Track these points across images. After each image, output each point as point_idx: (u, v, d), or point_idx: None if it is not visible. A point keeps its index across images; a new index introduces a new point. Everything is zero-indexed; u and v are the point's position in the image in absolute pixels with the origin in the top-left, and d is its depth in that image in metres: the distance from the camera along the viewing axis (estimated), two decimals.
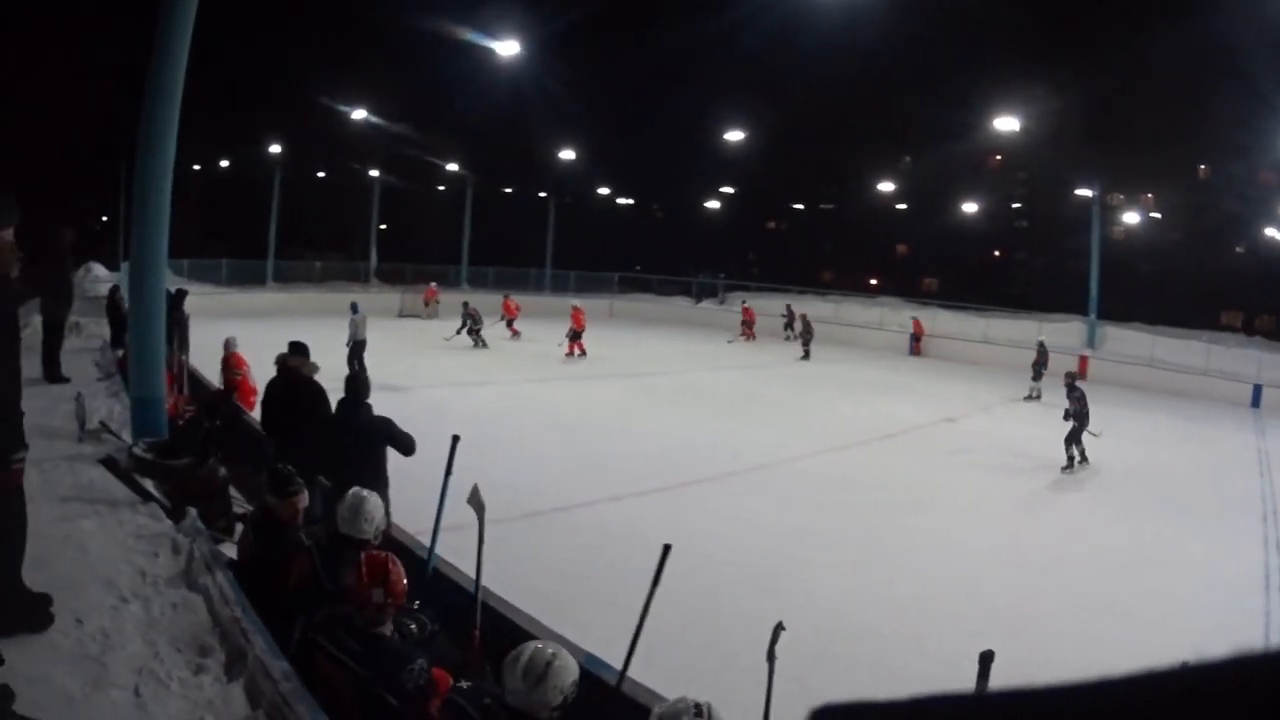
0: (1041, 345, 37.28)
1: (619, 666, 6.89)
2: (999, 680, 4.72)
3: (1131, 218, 66.25)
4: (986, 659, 4.91)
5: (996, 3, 45.05)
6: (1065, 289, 52.12)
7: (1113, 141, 50.75)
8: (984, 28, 47.54)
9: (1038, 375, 35.88)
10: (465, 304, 39.46)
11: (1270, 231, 61.22)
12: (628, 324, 53.83)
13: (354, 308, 29.66)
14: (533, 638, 6.00)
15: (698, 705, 4.63)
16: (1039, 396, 35.05)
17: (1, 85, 41.66)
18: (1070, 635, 12.08)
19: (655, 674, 7.14)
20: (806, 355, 39.32)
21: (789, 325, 41.67)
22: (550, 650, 5.17)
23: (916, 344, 47.72)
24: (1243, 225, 63.08)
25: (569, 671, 5.13)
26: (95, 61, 42.55)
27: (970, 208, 68.60)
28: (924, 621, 12.19)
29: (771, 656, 5.71)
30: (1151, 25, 41.15)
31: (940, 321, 53.37)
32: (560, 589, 9.91)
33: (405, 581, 6.19)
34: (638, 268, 73.27)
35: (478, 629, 7.62)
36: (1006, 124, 46.63)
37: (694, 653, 10.42)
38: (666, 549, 6.75)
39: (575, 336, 38.78)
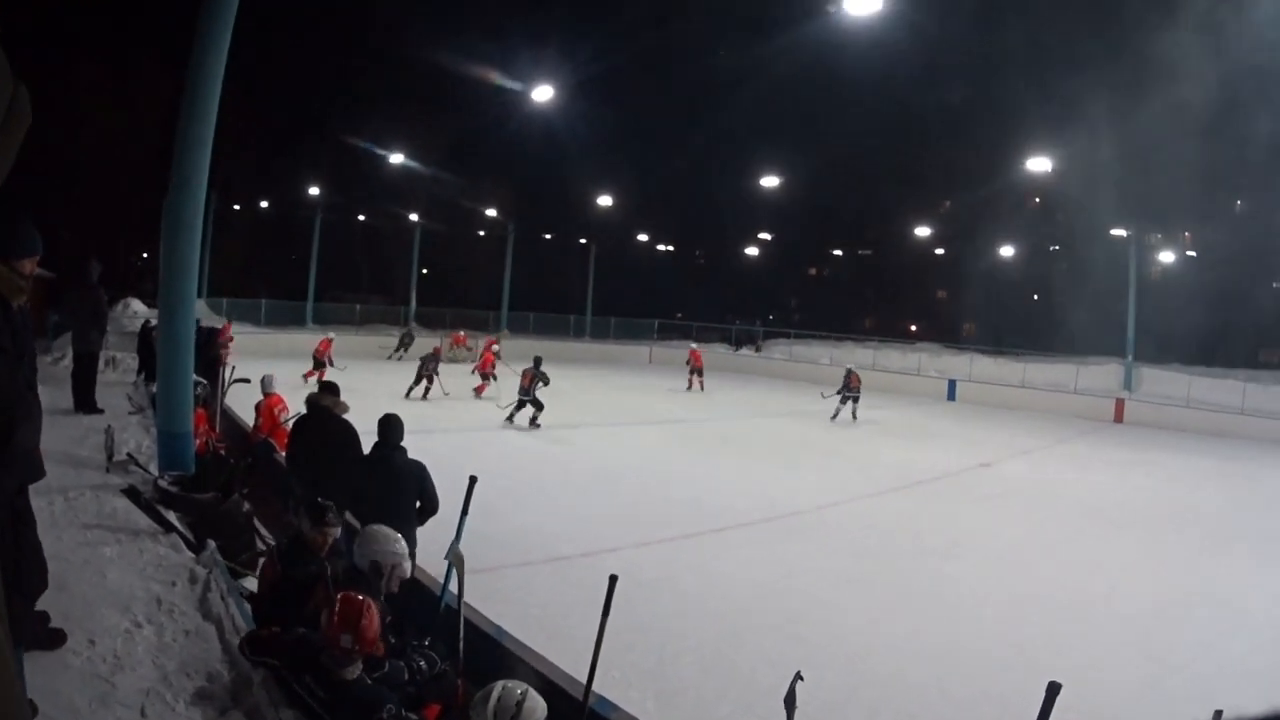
0: (850, 372, 38.91)
1: (632, 711, 6.94)
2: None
3: (1168, 256, 66.15)
4: (1053, 690, 4.79)
5: (1030, 43, 45.04)
6: (1103, 331, 51.81)
7: (1150, 179, 50.60)
8: (1018, 67, 47.56)
9: (844, 399, 38.09)
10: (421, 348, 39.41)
11: None
12: (666, 371, 53.39)
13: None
14: (529, 678, 6.04)
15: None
16: (849, 415, 37.62)
17: (48, 119, 41.96)
18: (1107, 683, 11.73)
19: (671, 715, 7.12)
20: (853, 416, 39.03)
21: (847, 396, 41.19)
22: (521, 690, 5.32)
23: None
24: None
25: (540, 710, 5.29)
26: (140, 96, 42.93)
27: (1008, 251, 68.64)
28: (953, 668, 11.94)
29: (790, 704, 5.60)
30: (1183, 58, 41.06)
31: (979, 367, 53.33)
32: (583, 633, 9.89)
33: (378, 629, 6.17)
34: (679, 315, 73.40)
35: (460, 676, 7.68)
36: (1039, 164, 46.67)
37: (710, 696, 10.32)
38: (613, 580, 6.90)
39: (696, 373, 40.71)
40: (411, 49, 44.77)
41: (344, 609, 6.03)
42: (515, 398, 30.77)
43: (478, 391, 36.29)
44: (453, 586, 8.80)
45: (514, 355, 39.63)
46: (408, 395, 34.10)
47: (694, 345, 47.08)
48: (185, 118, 13.10)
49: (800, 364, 58.71)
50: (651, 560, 15.39)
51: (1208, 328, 55.79)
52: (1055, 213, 63.99)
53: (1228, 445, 38.44)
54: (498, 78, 44.02)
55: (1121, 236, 52.70)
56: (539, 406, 29.97)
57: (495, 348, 38.82)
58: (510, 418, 30.15)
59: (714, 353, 61.16)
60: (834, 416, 37.94)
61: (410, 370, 36.97)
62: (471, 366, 40.45)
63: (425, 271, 66.65)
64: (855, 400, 38.33)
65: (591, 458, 26.26)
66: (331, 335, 39.51)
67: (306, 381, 33.10)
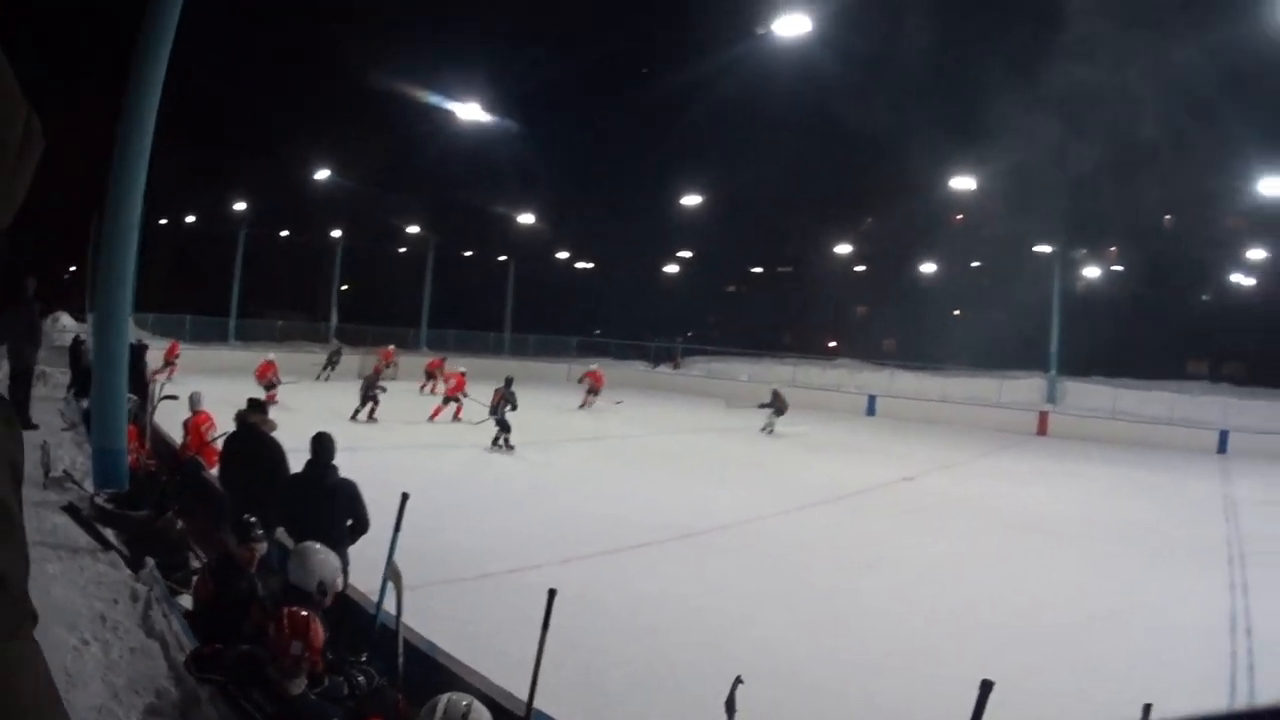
0: (776, 393, 40.21)
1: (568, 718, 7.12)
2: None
3: (1093, 271, 67.13)
4: (986, 688, 4.89)
5: (954, 64, 45.49)
6: (1026, 345, 52.41)
7: (1074, 197, 51.26)
8: (943, 88, 47.96)
9: (775, 414, 39.18)
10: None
11: (1236, 278, 62.54)
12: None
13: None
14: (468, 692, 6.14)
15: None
16: (769, 429, 38.84)
17: None
18: (1040, 691, 11.75)
19: None
20: (768, 428, 39.44)
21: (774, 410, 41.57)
22: (465, 701, 5.35)
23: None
24: (1209, 272, 64.01)
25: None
26: (67, 110, 42.56)
27: (929, 268, 69.62)
28: (881, 680, 11.99)
29: (730, 708, 5.71)
30: (1109, 78, 41.65)
31: (899, 382, 53.79)
32: (514, 649, 9.99)
33: (323, 641, 6.29)
34: (597, 332, 73.75)
35: (400, 691, 7.75)
36: (963, 183, 47.18)
37: (641, 710, 10.50)
38: (551, 594, 7.12)
39: (592, 392, 41.04)
40: (338, 67, 44.68)
41: (292, 620, 6.14)
42: (488, 418, 30.71)
43: (457, 414, 36.01)
44: (388, 602, 8.93)
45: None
46: (354, 417, 33.38)
47: (594, 366, 47.06)
48: (124, 130, 13.13)
49: (719, 381, 59.06)
50: (576, 577, 15.24)
51: (1134, 340, 56.63)
52: (978, 229, 64.53)
53: (1156, 455, 39.12)
54: (423, 96, 44.04)
55: (1045, 252, 53.32)
56: (507, 429, 29.85)
57: (461, 369, 39.04)
58: (496, 440, 29.97)
59: (633, 370, 61.63)
60: (768, 430, 39.00)
61: (340, 388, 36.83)
62: (423, 385, 41.60)
63: (346, 288, 66.37)
64: (774, 415, 39.19)
65: (514, 475, 26.19)
66: (271, 356, 38.77)
67: (272, 403, 32.60)
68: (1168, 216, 64.72)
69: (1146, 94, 42.32)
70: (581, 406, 43.59)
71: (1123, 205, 54.11)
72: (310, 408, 32.44)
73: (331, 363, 50.08)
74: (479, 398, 33.32)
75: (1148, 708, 5.40)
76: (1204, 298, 67.38)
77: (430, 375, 46.15)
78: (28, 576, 1.49)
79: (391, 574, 8.47)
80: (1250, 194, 43.14)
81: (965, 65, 45.38)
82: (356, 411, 33.79)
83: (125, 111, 13.06)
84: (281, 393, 34.79)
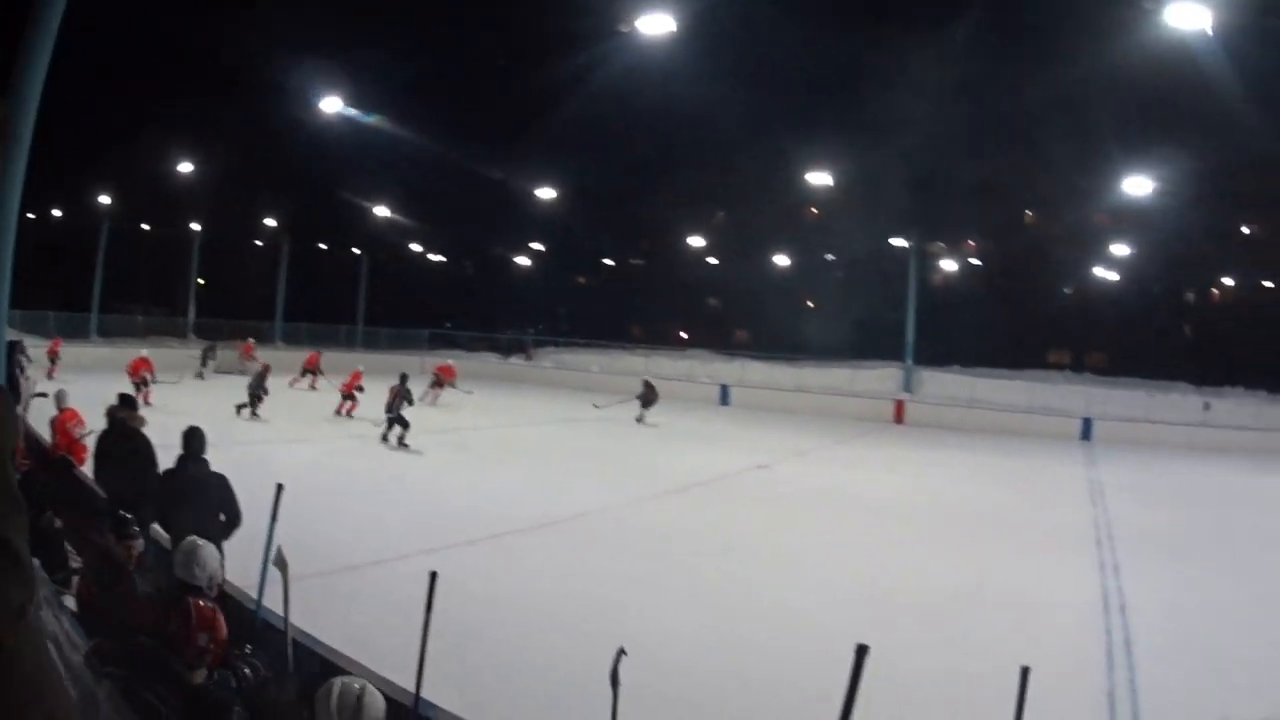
0: (647, 383, 41.34)
1: (446, 706, 7.31)
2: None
3: (951, 265, 68.43)
4: (861, 652, 4.99)
5: (812, 60, 45.77)
6: (882, 337, 53.09)
7: (932, 192, 51.96)
8: (801, 82, 48.21)
9: (645, 405, 39.98)
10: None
11: (1098, 271, 64.01)
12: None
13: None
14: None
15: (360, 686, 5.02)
16: (642, 419, 39.46)
17: None
18: (908, 668, 11.91)
19: (482, 717, 7.40)
20: (641, 418, 39.82)
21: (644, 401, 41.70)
22: (358, 685, 5.49)
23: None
24: (1072, 267, 65.57)
25: (378, 704, 5.46)
26: None
27: (783, 260, 69.96)
28: (747, 659, 12.37)
29: (615, 680, 5.84)
30: (975, 76, 42.20)
31: (752, 372, 54.22)
32: (386, 639, 10.10)
33: (226, 633, 6.46)
34: (448, 324, 73.67)
35: (292, 679, 7.83)
36: (820, 178, 47.65)
37: (514, 695, 10.71)
38: (433, 576, 7.23)
39: (437, 385, 41.32)
40: (198, 57, 44.00)
41: (199, 613, 6.31)
42: (382, 416, 30.54)
43: (349, 411, 36.02)
44: (268, 598, 9.08)
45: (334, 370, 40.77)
46: (238, 412, 33.53)
47: (449, 361, 47.24)
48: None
49: (570, 372, 59.57)
50: (441, 567, 14.90)
51: (994, 332, 57.58)
52: (833, 223, 65.18)
53: (1018, 443, 40.04)
54: (284, 85, 43.63)
55: (903, 246, 54.08)
56: (405, 425, 29.70)
57: (359, 366, 38.93)
58: (384, 437, 29.90)
59: (484, 362, 61.56)
60: (640, 420, 39.72)
61: (217, 386, 36.55)
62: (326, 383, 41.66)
63: (203, 282, 65.57)
64: (644, 406, 39.87)
65: (374, 468, 26.24)
66: (145, 353, 38.03)
67: (148, 404, 31.60)
68: (1029, 213, 66.04)
69: (1007, 93, 43.00)
70: (422, 399, 43.47)
71: (981, 202, 55.05)
72: (195, 409, 31.52)
73: (207, 359, 49.53)
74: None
75: (1025, 671, 5.55)
76: (1066, 291, 69.12)
77: (309, 371, 45.86)
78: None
79: (279, 563, 8.46)
80: (1115, 192, 43.97)
81: (822, 62, 45.66)
82: (243, 407, 33.77)
83: (9, 94, 12.93)
84: (161, 392, 34.30)
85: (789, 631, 13.44)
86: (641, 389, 40.71)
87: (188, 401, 35.09)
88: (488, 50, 47.54)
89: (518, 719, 10.09)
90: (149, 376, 35.95)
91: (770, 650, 12.62)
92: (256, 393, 34.15)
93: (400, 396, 30.08)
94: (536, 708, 10.48)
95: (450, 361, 48.75)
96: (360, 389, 36.33)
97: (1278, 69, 33.63)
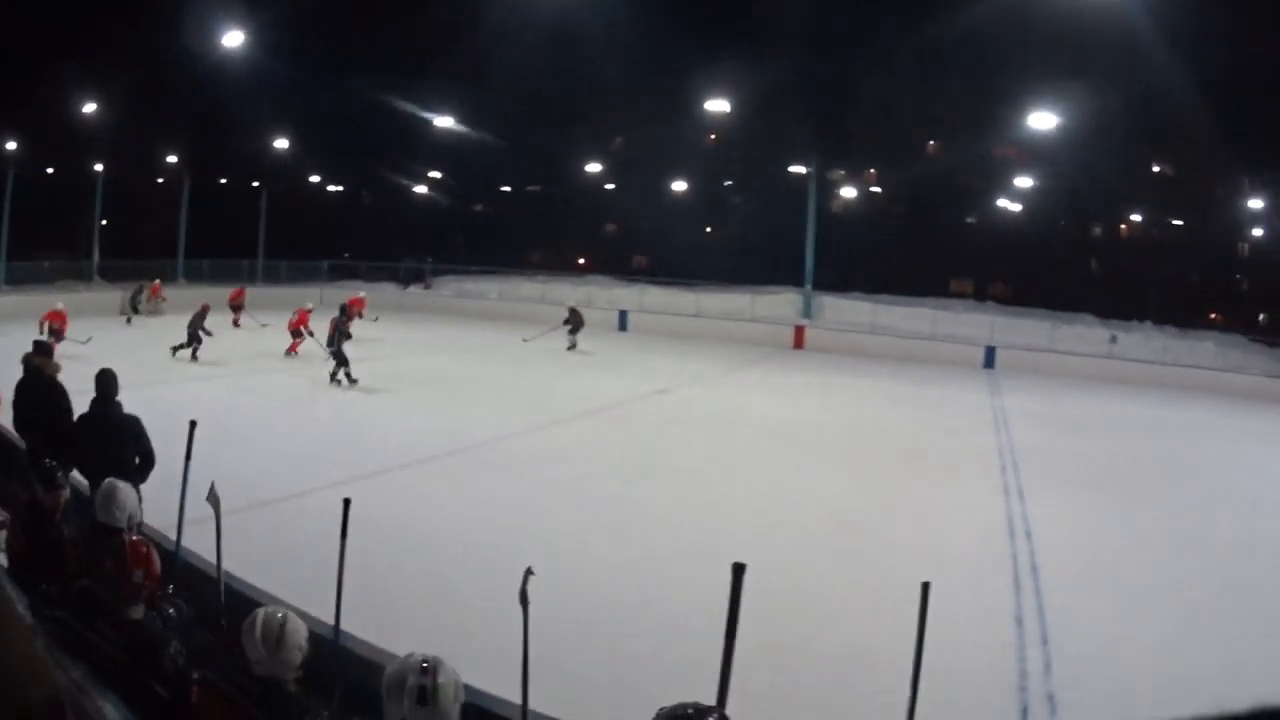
0: (573, 310, 41.30)
1: (362, 635, 7.26)
2: (750, 614, 5.09)
3: (850, 192, 68.72)
4: (738, 570, 5.27)
5: None
6: (781, 262, 53.03)
7: (833, 121, 52.16)
8: (694, 8, 48.08)
9: (573, 332, 40.17)
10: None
11: (1003, 203, 64.94)
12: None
13: None
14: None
15: (425, 661, 4.83)
16: (574, 347, 40.15)
17: None
18: (812, 587, 12.51)
19: (397, 646, 7.38)
20: (573, 346, 39.96)
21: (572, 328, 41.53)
22: (280, 613, 5.45)
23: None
24: (976, 198, 66.43)
25: (301, 630, 5.45)
26: None
27: (681, 186, 70.11)
28: (653, 583, 12.67)
29: (524, 600, 5.95)
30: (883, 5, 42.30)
31: (650, 297, 54.09)
32: (298, 573, 10.05)
33: (160, 567, 6.41)
34: (346, 255, 72.95)
35: (223, 616, 7.85)
36: (718, 105, 47.52)
37: (427, 626, 10.65)
38: (346, 503, 7.50)
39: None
40: None
41: (134, 549, 6.30)
42: (327, 351, 29.95)
43: (295, 350, 35.40)
44: (188, 538, 9.08)
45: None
46: (174, 353, 32.68)
47: (360, 293, 47.03)
48: None
49: (470, 300, 59.05)
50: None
51: (896, 260, 57.94)
52: (732, 149, 65.15)
53: (921, 369, 40.28)
54: (182, 20, 42.90)
55: (801, 173, 54.07)
56: (344, 362, 28.99)
57: (308, 304, 38.33)
58: (333, 376, 29.11)
59: (383, 291, 60.97)
60: (571, 348, 40.07)
61: (147, 328, 36.03)
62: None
63: (105, 223, 64.41)
64: (572, 333, 40.09)
65: (277, 402, 26.22)
66: (60, 305, 35.92)
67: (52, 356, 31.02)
68: (931, 142, 66.37)
69: (912, 18, 42.98)
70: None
71: (882, 129, 55.28)
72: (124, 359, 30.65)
73: (134, 304, 49.17)
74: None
75: (926, 586, 5.79)
76: (969, 221, 69.72)
77: (235, 307, 45.38)
78: None
79: (211, 499, 8.41)
80: (1021, 126, 44.05)
81: None
82: (179, 348, 32.97)
83: None
84: (87, 348, 33.28)
85: (695, 556, 13.47)
86: (568, 315, 40.57)
87: (126, 344, 34.62)
88: None
89: (431, 645, 10.07)
90: (62, 331, 33.80)
91: (678, 577, 12.78)
92: (195, 333, 33.29)
93: (338, 331, 29.45)
94: (449, 633, 10.19)
95: (362, 294, 48.28)
96: (308, 329, 35.39)
97: (1188, 5, 33.91)
